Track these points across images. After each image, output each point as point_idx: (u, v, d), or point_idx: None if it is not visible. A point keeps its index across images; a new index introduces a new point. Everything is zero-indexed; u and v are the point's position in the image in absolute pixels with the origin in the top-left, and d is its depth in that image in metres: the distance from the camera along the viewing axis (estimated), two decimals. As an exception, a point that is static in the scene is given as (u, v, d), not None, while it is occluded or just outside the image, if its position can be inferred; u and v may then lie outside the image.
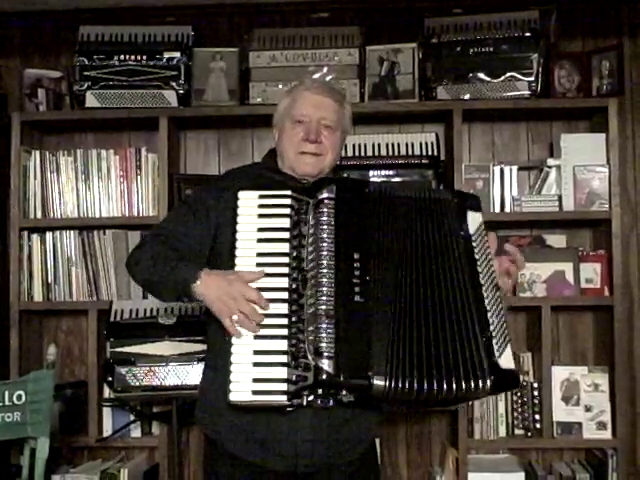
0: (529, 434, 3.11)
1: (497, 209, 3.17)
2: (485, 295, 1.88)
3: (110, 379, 2.81)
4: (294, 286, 1.81)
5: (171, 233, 2.01)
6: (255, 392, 1.76)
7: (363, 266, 1.83)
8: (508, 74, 3.11)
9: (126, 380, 2.80)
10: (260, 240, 1.83)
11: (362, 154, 3.22)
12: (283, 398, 1.76)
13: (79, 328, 3.39)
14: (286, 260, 1.82)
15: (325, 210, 1.85)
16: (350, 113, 2.16)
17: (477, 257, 1.92)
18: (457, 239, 1.92)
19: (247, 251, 1.83)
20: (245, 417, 1.88)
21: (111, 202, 3.22)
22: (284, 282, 1.81)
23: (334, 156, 2.08)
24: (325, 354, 1.74)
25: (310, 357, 1.75)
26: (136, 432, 3.20)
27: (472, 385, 1.77)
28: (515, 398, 3.14)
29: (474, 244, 1.94)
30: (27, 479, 2.49)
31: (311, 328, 1.77)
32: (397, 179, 3.14)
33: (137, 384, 2.80)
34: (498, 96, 3.13)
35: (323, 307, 1.77)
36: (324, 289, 1.79)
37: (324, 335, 1.75)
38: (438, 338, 1.79)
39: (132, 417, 3.14)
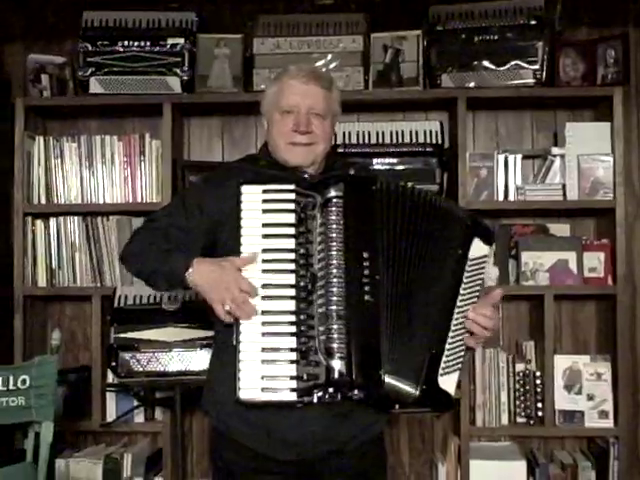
0: (531, 422, 3.14)
1: (501, 197, 3.19)
2: (454, 316, 1.92)
3: (114, 364, 2.82)
4: (302, 283, 1.82)
5: (163, 225, 2.02)
6: (264, 389, 1.78)
7: (372, 265, 1.85)
8: (513, 62, 3.12)
9: (130, 365, 2.81)
10: (265, 236, 1.83)
11: (366, 142, 3.21)
12: (293, 395, 1.78)
13: (83, 313, 3.40)
14: (292, 256, 1.83)
15: (334, 209, 1.86)
16: (338, 96, 2.14)
17: (464, 280, 1.94)
18: (451, 253, 1.95)
19: (253, 247, 1.84)
20: (252, 410, 1.89)
21: (114, 188, 3.23)
22: (291, 279, 1.82)
23: (326, 144, 2.07)
24: (337, 355, 1.78)
25: (322, 357, 1.79)
26: (139, 417, 3.22)
27: (401, 386, 1.83)
28: (517, 386, 3.16)
29: (467, 267, 1.95)
30: (31, 463, 2.53)
31: (322, 328, 1.81)
32: (401, 167, 3.14)
33: (140, 370, 2.82)
34: (503, 84, 3.13)
35: (334, 307, 1.81)
36: (334, 289, 1.82)
37: (335, 336, 1.79)
38: (404, 340, 1.86)
39: (135, 402, 3.16)
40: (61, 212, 3.25)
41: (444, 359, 1.90)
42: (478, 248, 1.98)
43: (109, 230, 3.24)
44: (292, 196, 1.85)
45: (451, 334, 1.91)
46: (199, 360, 2.80)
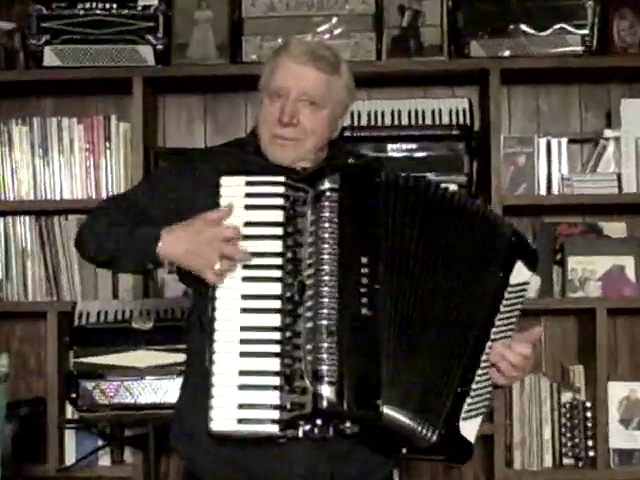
0: (580, 464, 3.10)
1: (543, 191, 3.17)
2: (486, 350, 1.90)
3: (74, 396, 2.79)
4: (288, 294, 1.80)
5: (124, 204, 2.02)
6: (241, 420, 1.76)
7: (372, 272, 1.82)
8: (557, 26, 3.10)
9: (93, 397, 2.78)
10: (247, 237, 1.81)
11: (378, 123, 3.20)
12: (274, 428, 1.76)
13: (36, 334, 3.39)
14: (279, 261, 1.81)
15: (327, 204, 1.83)
16: (348, 80, 2.08)
17: (502, 309, 1.92)
18: (489, 274, 1.92)
19: None
20: (228, 446, 1.85)
21: (75, 181, 3.22)
22: (276, 288, 1.80)
23: (318, 139, 2.02)
24: (326, 379, 1.75)
25: (308, 381, 1.76)
26: (105, 460, 3.19)
27: (418, 427, 1.81)
28: (563, 420, 3.12)
29: (506, 295, 1.93)
30: (-28, 518, 2.50)
31: (309, 346, 1.78)
32: (421, 154, 3.17)
33: (106, 402, 2.79)
34: (544, 52, 3.11)
35: (324, 322, 1.78)
36: (325, 300, 1.79)
37: (325, 356, 1.76)
38: (413, 366, 1.83)
39: (100, 442, 3.14)
40: (9, 211, 3.24)
41: (469, 400, 1.87)
42: (520, 273, 1.95)
43: (68, 232, 3.20)
44: (281, 190, 1.83)
45: (480, 371, 1.90)
46: (177, 390, 2.73)
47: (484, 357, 1.90)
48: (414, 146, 3.14)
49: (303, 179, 1.87)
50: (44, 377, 3.28)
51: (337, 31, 3.17)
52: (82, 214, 3.18)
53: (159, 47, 3.17)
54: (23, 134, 3.23)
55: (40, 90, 3.38)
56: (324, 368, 1.75)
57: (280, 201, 1.82)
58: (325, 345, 1.76)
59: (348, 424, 1.78)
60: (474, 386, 1.88)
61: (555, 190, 3.17)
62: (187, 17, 3.24)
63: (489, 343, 1.90)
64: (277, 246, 1.81)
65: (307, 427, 1.78)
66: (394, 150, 3.14)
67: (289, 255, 1.81)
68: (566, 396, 3.15)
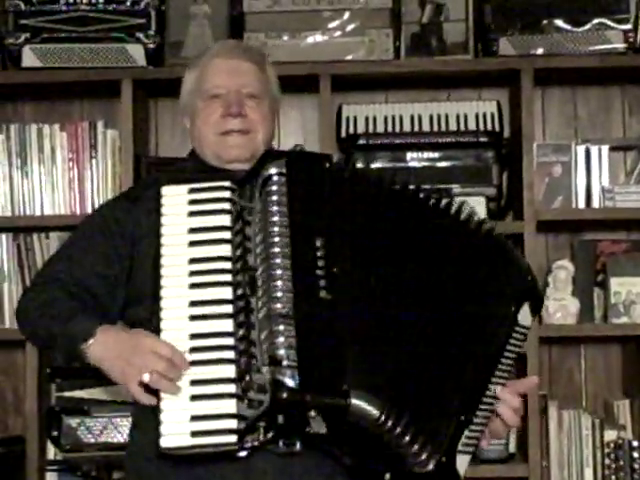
0: (626, 511, 3.04)
1: (581, 204, 3.16)
2: (489, 387, 1.90)
3: (56, 434, 2.83)
4: (239, 292, 1.82)
5: (71, 269, 2.01)
6: (195, 433, 1.75)
7: (329, 254, 1.85)
8: (596, 21, 3.11)
9: (77, 435, 2.82)
10: (193, 243, 1.86)
11: (396, 130, 3.21)
12: (232, 438, 1.74)
13: (13, 366, 3.38)
14: (228, 266, 1.84)
15: (274, 188, 1.88)
16: (275, 76, 2.19)
17: (508, 348, 1.92)
18: (500, 304, 1.94)
19: (176, 258, 1.85)
20: (181, 463, 1.82)
21: (57, 194, 3.23)
22: (226, 292, 1.82)
23: (267, 132, 2.11)
24: (284, 363, 1.74)
25: (265, 370, 1.75)
26: (91, 507, 3.17)
27: (416, 448, 1.78)
28: (607, 461, 3.09)
29: (514, 334, 1.93)
30: None
31: (264, 334, 1.78)
32: (444, 163, 3.18)
33: (92, 441, 2.83)
34: (582, 50, 3.12)
35: (278, 306, 1.78)
36: (278, 283, 1.80)
37: (281, 340, 1.76)
38: (419, 371, 1.84)
39: (85, 485, 3.10)
40: (-17, 228, 3.20)
41: (467, 433, 1.85)
42: (524, 317, 1.96)
43: (48, 252, 3.17)
44: (227, 194, 1.88)
45: (481, 405, 1.88)
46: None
47: (487, 392, 1.89)
48: (436, 155, 3.15)
49: (247, 177, 1.92)
50: (22, 414, 3.28)
51: (350, 27, 3.17)
52: (64, 231, 3.18)
53: (151, 46, 3.19)
54: (-1, 142, 3.24)
55: (18, 94, 3.40)
56: (281, 352, 1.74)
57: (226, 205, 1.87)
58: (281, 328, 1.76)
59: (313, 414, 1.73)
60: (475, 420, 1.86)
61: (595, 203, 3.16)
62: (182, 12, 3.26)
63: (493, 379, 1.90)
64: (226, 250, 1.85)
65: (270, 434, 1.75)
66: (414, 159, 3.15)
67: (239, 253, 1.85)
68: (610, 434, 3.12)
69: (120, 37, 3.20)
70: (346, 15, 3.20)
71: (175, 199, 1.89)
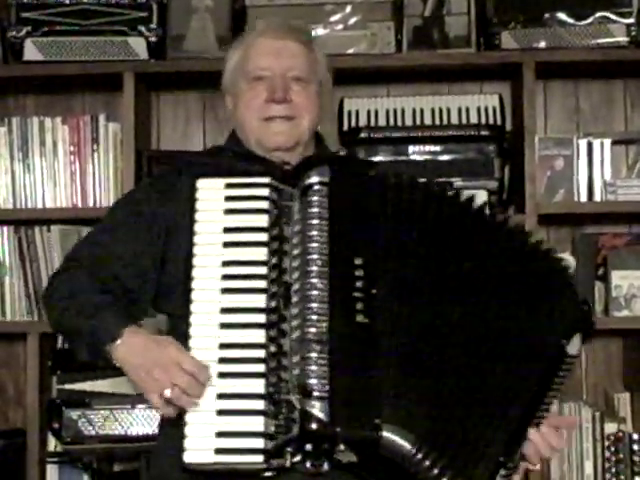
0: (626, 504, 3.05)
1: (583, 198, 3.15)
2: (534, 420, 1.84)
3: (57, 426, 2.83)
4: (273, 304, 1.77)
5: (104, 254, 1.97)
6: (219, 451, 1.71)
7: (368, 274, 1.80)
8: (598, 14, 3.10)
9: (78, 428, 2.82)
10: (227, 244, 1.81)
11: (398, 123, 3.19)
12: (258, 458, 1.70)
13: (15, 358, 3.40)
14: (263, 271, 1.79)
15: (315, 199, 1.82)
16: (323, 57, 2.13)
17: (555, 380, 1.86)
18: (555, 341, 1.86)
19: (209, 259, 1.80)
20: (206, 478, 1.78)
21: (58, 188, 3.23)
22: (260, 301, 1.78)
23: (313, 118, 2.05)
24: (315, 394, 1.70)
25: (294, 399, 1.72)
26: (92, 498, 3.14)
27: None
28: (607, 454, 3.08)
29: (562, 365, 1.86)
30: None
31: (296, 359, 1.74)
32: (446, 157, 3.14)
33: (93, 433, 2.82)
34: (584, 44, 3.11)
35: (312, 330, 1.74)
36: (314, 305, 1.75)
37: (313, 368, 1.72)
38: (459, 407, 1.79)
39: (86, 478, 3.11)
40: (-16, 221, 3.20)
41: (502, 472, 1.80)
42: (574, 346, 1.88)
43: (50, 245, 3.21)
44: (266, 192, 1.82)
45: (518, 447, 1.83)
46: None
47: (526, 435, 1.82)
48: (438, 148, 3.13)
49: (289, 177, 1.86)
50: (23, 406, 3.29)
51: (352, 21, 3.17)
52: (66, 224, 3.23)
53: (152, 39, 3.18)
54: (1, 136, 3.24)
55: (20, 87, 3.40)
56: (313, 382, 1.71)
57: (264, 204, 1.82)
58: (314, 355, 1.72)
59: (341, 447, 1.72)
60: (510, 465, 1.81)
61: (597, 197, 3.15)
62: (184, 5, 3.24)
63: (538, 413, 1.83)
64: (262, 253, 1.79)
65: (297, 457, 1.73)
66: (416, 153, 3.13)
67: (274, 261, 1.80)
68: (610, 427, 3.12)
69: (122, 30, 3.19)
70: (348, 8, 3.19)
71: (211, 193, 1.84)
